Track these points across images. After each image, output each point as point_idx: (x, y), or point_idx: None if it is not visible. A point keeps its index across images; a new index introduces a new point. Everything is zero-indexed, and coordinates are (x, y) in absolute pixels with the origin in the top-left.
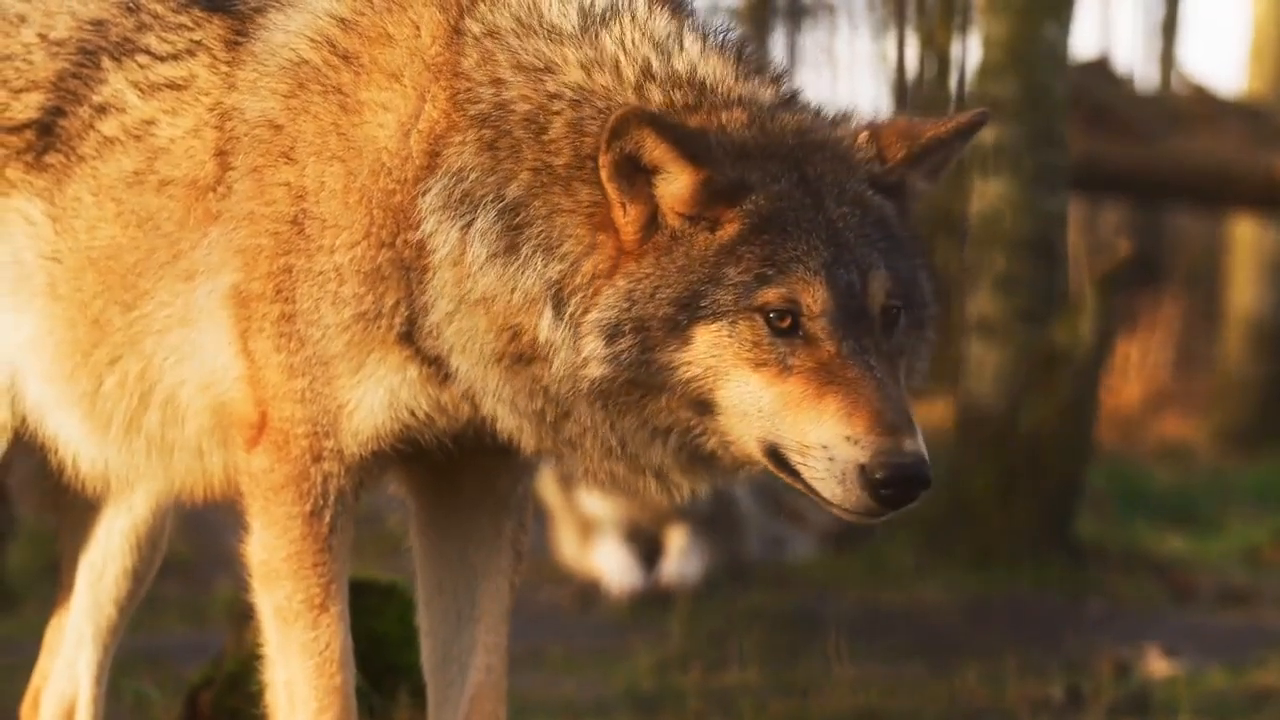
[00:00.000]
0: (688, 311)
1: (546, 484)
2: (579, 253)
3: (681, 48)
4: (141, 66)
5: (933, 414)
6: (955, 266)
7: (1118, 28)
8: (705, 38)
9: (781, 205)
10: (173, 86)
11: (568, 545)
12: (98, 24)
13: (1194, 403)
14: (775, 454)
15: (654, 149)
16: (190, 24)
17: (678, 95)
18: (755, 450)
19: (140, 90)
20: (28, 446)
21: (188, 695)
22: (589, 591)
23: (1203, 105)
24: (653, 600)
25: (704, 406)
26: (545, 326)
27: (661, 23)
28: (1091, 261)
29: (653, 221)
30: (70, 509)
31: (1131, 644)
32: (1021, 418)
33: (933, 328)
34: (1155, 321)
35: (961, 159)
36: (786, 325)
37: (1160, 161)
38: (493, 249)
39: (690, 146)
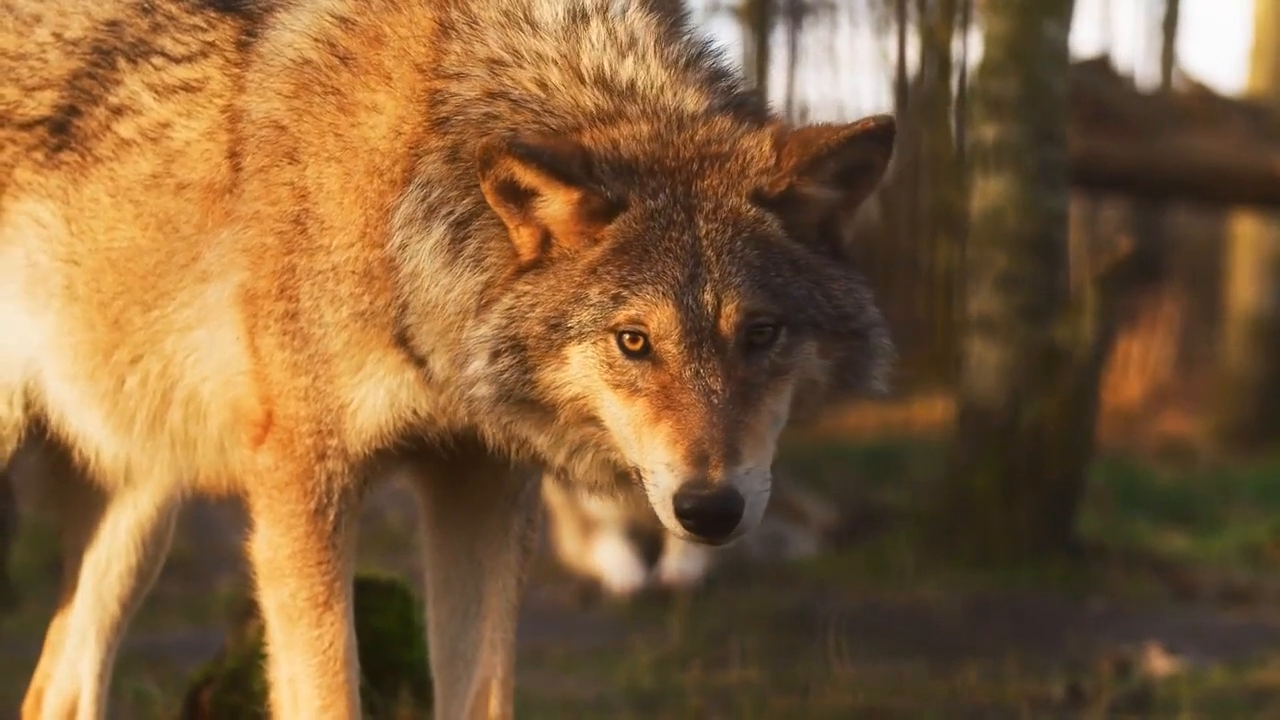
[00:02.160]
0: (559, 331)
1: (547, 482)
2: (497, 268)
3: (635, 53)
4: (157, 69)
5: (933, 412)
6: (956, 264)
7: (1118, 25)
8: (662, 43)
9: (650, 224)
10: (187, 89)
11: (569, 543)
12: (113, 25)
13: (1195, 401)
14: (638, 474)
15: (524, 174)
16: (204, 25)
17: (606, 103)
18: (632, 469)
19: (156, 92)
20: (34, 444)
21: (188, 693)
22: (590, 589)
23: (1203, 103)
24: (653, 598)
25: (598, 423)
26: None
27: (635, 24)
28: (1092, 260)
29: (547, 241)
30: (74, 506)
31: (1132, 642)
32: (1022, 416)
33: (877, 335)
34: (1156, 319)
35: (962, 156)
36: (639, 347)
37: (1161, 159)
38: (440, 261)
39: (560, 169)
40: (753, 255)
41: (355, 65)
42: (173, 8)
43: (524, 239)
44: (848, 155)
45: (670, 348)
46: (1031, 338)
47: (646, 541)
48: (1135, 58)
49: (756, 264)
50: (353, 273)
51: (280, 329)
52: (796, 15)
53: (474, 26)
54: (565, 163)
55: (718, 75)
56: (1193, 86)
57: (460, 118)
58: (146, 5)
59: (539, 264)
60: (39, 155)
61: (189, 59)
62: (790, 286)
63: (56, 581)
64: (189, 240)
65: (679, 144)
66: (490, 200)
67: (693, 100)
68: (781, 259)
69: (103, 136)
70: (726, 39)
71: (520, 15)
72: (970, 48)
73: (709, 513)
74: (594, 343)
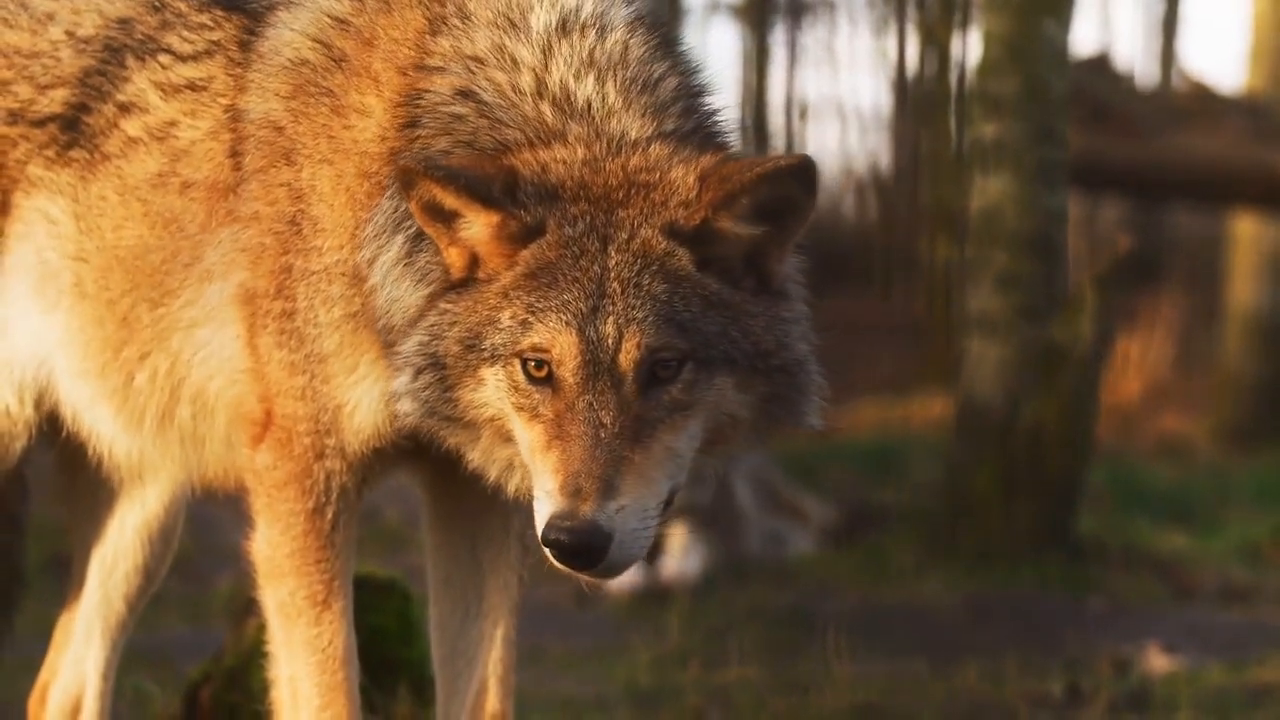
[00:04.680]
0: (474, 352)
1: None
2: (439, 284)
3: (596, 73)
4: (164, 67)
5: (932, 411)
6: (955, 263)
7: (1118, 24)
8: (630, 66)
9: (563, 252)
10: (193, 88)
11: None
12: (124, 22)
13: (1194, 400)
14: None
15: (444, 197)
16: (210, 24)
17: (555, 121)
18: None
19: (162, 91)
20: (48, 441)
21: (187, 691)
22: (589, 588)
23: (1203, 102)
24: (652, 597)
25: (516, 444)
26: None
27: (614, 44)
28: (1091, 259)
29: (475, 261)
30: (82, 504)
31: (1131, 641)
32: (1021, 415)
33: (803, 371)
34: (1155, 318)
35: (961, 155)
36: (543, 375)
37: (1160, 158)
38: (395, 275)
39: (478, 192)
40: (659, 289)
41: (348, 67)
42: (181, 5)
43: (453, 258)
44: (762, 192)
45: (567, 377)
46: (1031, 337)
47: None
48: (1134, 57)
49: (663, 298)
50: (343, 275)
51: (278, 328)
52: (796, 14)
53: (466, 22)
54: (484, 186)
55: (679, 100)
56: (1192, 86)
57: (429, 117)
58: (157, 3)
59: (465, 283)
60: (51, 152)
61: (195, 57)
62: (699, 321)
63: (60, 578)
64: (193, 239)
65: (610, 170)
66: (419, 220)
67: (636, 126)
68: (691, 294)
69: (111, 134)
70: (726, 38)
71: (515, 17)
72: (969, 47)
73: (569, 546)
74: (504, 365)
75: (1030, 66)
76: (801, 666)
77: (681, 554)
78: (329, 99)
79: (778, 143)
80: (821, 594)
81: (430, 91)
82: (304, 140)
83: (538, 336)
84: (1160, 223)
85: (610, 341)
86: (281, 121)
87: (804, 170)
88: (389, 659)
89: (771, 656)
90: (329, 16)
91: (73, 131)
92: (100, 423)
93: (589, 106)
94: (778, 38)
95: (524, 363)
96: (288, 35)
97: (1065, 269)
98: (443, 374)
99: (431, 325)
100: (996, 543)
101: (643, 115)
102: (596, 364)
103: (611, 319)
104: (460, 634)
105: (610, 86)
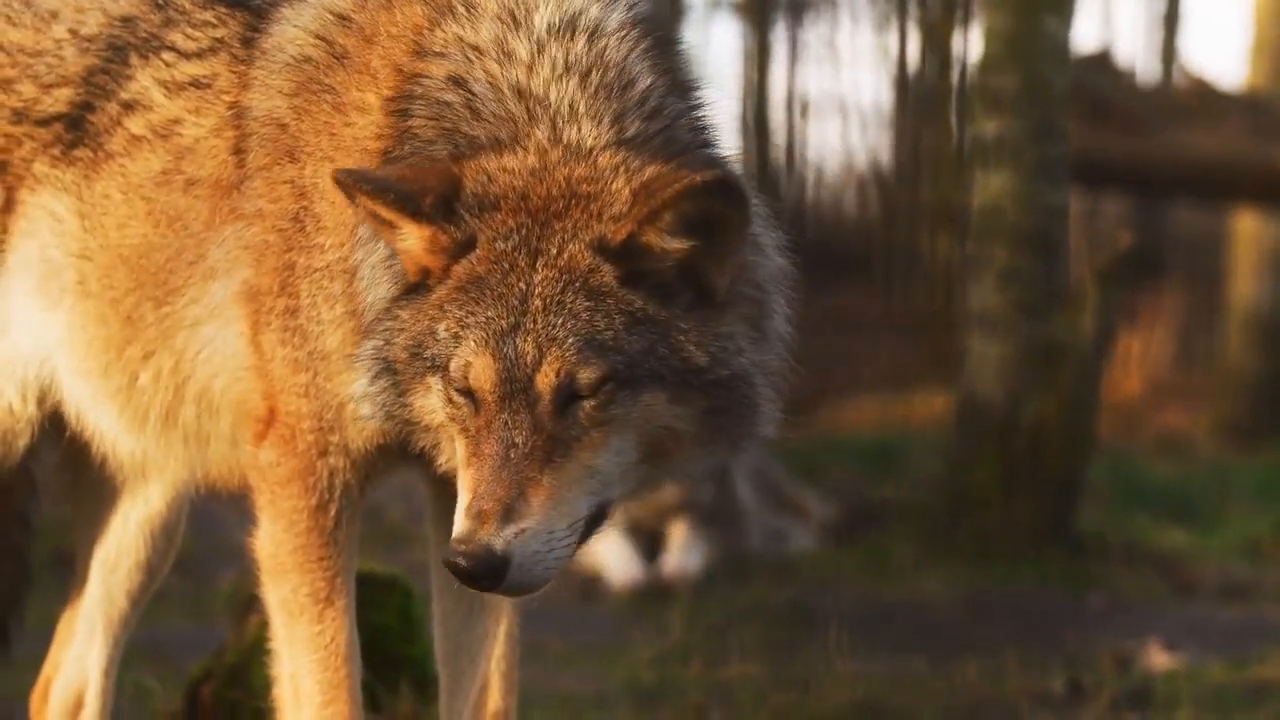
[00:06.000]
0: (420, 361)
1: None
2: (399, 287)
3: (570, 77)
4: (167, 64)
5: (933, 407)
6: (956, 260)
7: (1119, 21)
8: (605, 70)
9: (493, 267)
10: (196, 85)
11: None
12: (127, 20)
13: (1195, 396)
14: None
15: (379, 209)
16: (214, 21)
17: (522, 125)
18: None
19: (166, 88)
20: (52, 439)
21: (188, 688)
22: (589, 584)
23: (1204, 99)
24: (653, 593)
25: None
26: None
27: (598, 45)
28: (1092, 255)
29: (424, 268)
30: (85, 500)
31: (1132, 638)
32: (1022, 411)
33: (744, 386)
34: (1156, 315)
35: (962, 151)
36: (468, 390)
37: (1161, 155)
38: (374, 278)
39: (407, 207)
40: (581, 307)
41: (350, 64)
42: (185, 2)
43: (406, 264)
44: (684, 207)
45: (486, 395)
46: (1031, 333)
47: (646, 537)
48: (1136, 53)
49: (584, 317)
50: (344, 272)
51: (281, 325)
52: (797, 11)
53: (472, 12)
54: (414, 200)
55: (650, 102)
56: (1193, 82)
57: (421, 104)
58: (160, 1)
59: (418, 288)
60: (56, 151)
61: (199, 55)
62: (622, 340)
63: (63, 574)
64: (198, 237)
65: (555, 180)
66: (370, 227)
67: (594, 134)
68: (615, 311)
69: (114, 132)
70: (727, 35)
71: (520, 13)
72: (971, 43)
73: (464, 570)
74: (442, 376)
75: (1031, 63)
76: (802, 663)
77: (683, 550)
78: (331, 96)
79: (779, 139)
80: (822, 590)
81: (426, 77)
82: (307, 138)
83: (461, 352)
84: (1161, 219)
85: (528, 361)
86: (285, 119)
87: (721, 186)
88: (391, 656)
89: (772, 653)
90: (331, 13)
91: (77, 130)
92: (103, 422)
93: (557, 111)
94: (779, 34)
95: (451, 377)
96: (291, 32)
97: (1066, 266)
98: (395, 379)
99: (384, 330)
100: (997, 539)
101: (601, 121)
102: (513, 383)
103: (531, 338)
104: (463, 630)
105: (580, 91)
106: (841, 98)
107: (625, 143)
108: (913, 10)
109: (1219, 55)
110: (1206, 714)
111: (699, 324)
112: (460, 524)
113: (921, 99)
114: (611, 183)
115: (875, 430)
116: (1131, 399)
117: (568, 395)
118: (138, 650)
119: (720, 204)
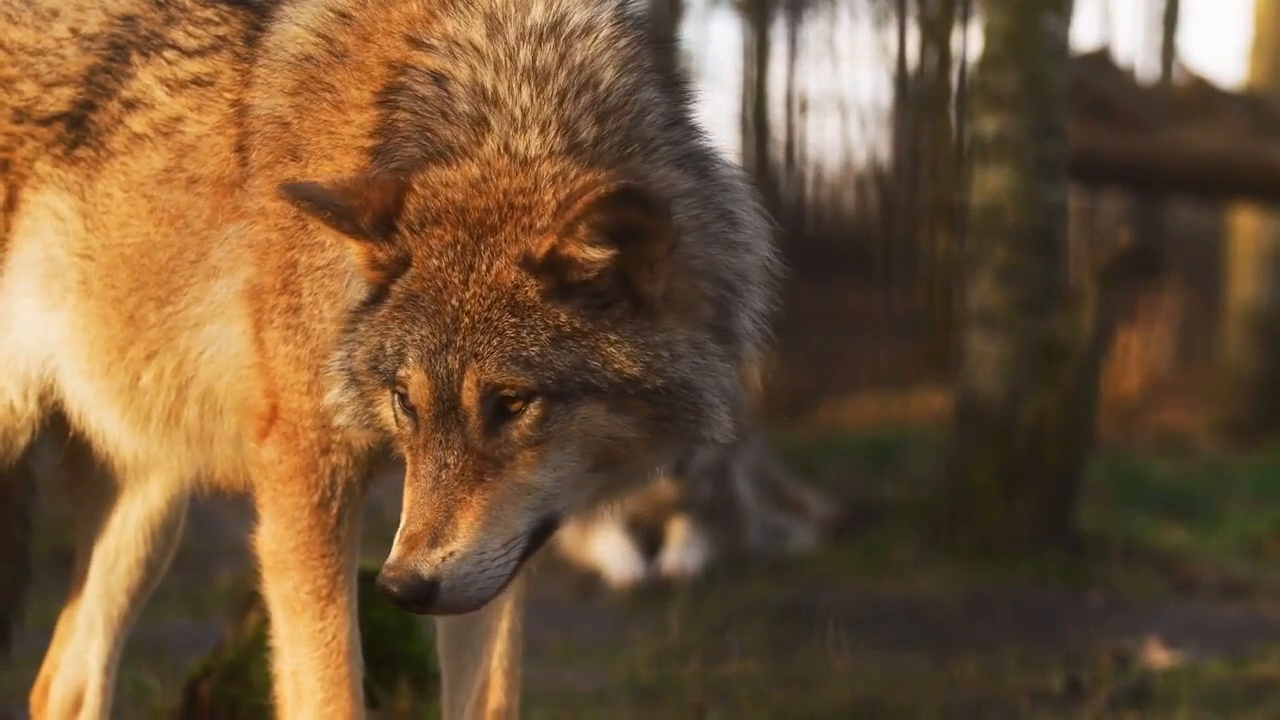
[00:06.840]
0: (378, 374)
1: None
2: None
3: (531, 82)
4: (169, 62)
5: (932, 405)
6: (955, 258)
7: (1118, 19)
8: (569, 73)
9: (427, 284)
10: (199, 83)
11: (568, 535)
12: (128, 19)
13: (1194, 394)
14: None
15: (319, 225)
16: (216, 19)
17: (479, 131)
18: None
19: (168, 86)
20: (53, 437)
21: (187, 685)
22: (589, 582)
23: (1203, 96)
24: (653, 591)
25: None
26: None
27: (574, 48)
28: (1092, 253)
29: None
30: (85, 498)
31: (1131, 635)
32: (1021, 409)
33: (685, 394)
34: (1155, 313)
35: (962, 149)
36: (409, 408)
37: (1161, 153)
38: (355, 282)
39: (343, 225)
40: (507, 324)
41: (349, 62)
42: (186, 1)
43: (364, 275)
44: (597, 218)
45: (423, 413)
46: (1031, 331)
47: (646, 534)
48: (1135, 51)
49: (509, 333)
50: (345, 270)
51: (284, 323)
52: (797, 8)
53: (469, 8)
54: (350, 217)
55: (606, 103)
56: (1192, 80)
57: (406, 96)
58: None
59: (373, 302)
60: (58, 150)
61: (201, 53)
62: (549, 355)
63: (62, 571)
64: (200, 235)
65: (493, 193)
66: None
67: (537, 142)
68: (539, 326)
69: (116, 130)
70: (727, 33)
71: (509, 12)
72: (970, 41)
73: (394, 595)
74: (392, 391)
75: (1031, 61)
76: (802, 661)
77: (682, 548)
78: (330, 94)
79: (778, 137)
80: (822, 588)
81: (414, 68)
82: (308, 136)
83: (402, 370)
84: (1160, 217)
85: (455, 379)
86: (287, 117)
87: (630, 194)
88: (390, 653)
89: (772, 651)
90: (332, 11)
91: (79, 129)
92: (106, 423)
93: (511, 117)
94: (778, 32)
95: (396, 393)
96: (292, 30)
97: (1065, 263)
98: (362, 390)
99: (348, 342)
100: (996, 537)
101: (549, 129)
102: (444, 402)
103: (458, 356)
104: (466, 626)
105: (534, 97)
106: (841, 95)
107: (575, 148)
108: (912, 8)
109: (1218, 53)
110: (1205, 712)
111: (632, 334)
112: (394, 548)
113: (921, 97)
114: (545, 194)
115: (874, 428)
116: (1131, 397)
117: (495, 413)
118: (137, 647)
119: (634, 212)
